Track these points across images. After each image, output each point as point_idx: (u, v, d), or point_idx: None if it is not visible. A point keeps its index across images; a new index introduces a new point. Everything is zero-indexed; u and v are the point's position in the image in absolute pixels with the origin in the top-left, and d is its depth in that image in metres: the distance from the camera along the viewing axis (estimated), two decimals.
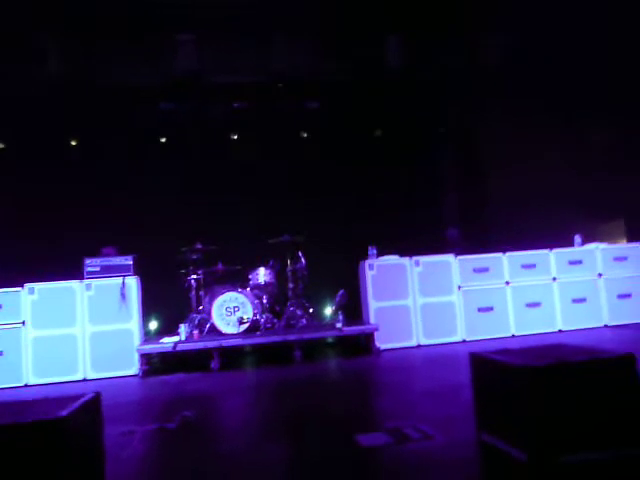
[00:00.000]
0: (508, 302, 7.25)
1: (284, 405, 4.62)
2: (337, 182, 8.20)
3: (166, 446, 3.64)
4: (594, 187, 7.95)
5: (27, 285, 6.39)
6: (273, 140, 8.42)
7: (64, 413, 2.10)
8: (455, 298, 7.17)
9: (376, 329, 6.78)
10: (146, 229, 7.51)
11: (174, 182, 7.95)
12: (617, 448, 2.28)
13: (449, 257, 7.27)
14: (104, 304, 6.49)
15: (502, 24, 7.79)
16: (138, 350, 6.36)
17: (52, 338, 6.35)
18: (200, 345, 6.43)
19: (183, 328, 6.64)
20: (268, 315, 7.12)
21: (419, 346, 6.97)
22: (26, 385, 6.23)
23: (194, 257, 7.29)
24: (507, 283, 7.28)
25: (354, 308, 7.30)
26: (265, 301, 7.25)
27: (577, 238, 7.67)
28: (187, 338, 6.63)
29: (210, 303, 6.95)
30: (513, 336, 7.15)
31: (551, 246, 7.45)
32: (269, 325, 7.04)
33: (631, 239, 8.00)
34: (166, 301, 7.63)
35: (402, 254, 7.22)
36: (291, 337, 6.52)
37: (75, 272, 6.59)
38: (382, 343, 6.82)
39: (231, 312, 6.79)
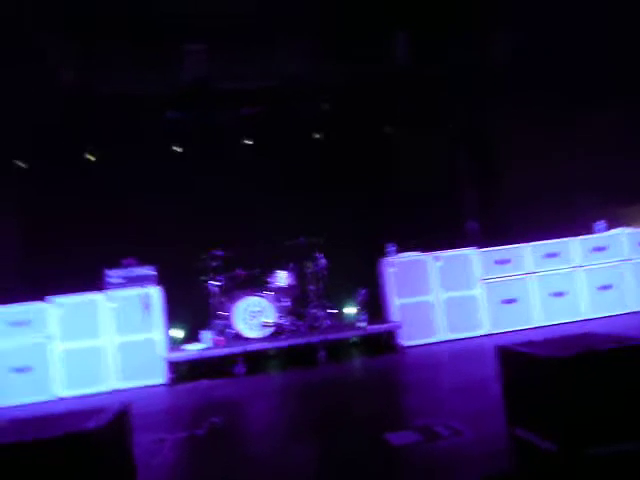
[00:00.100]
0: (532, 293, 7.16)
1: (311, 407, 4.62)
2: (352, 181, 8.17)
3: (196, 453, 3.66)
4: (611, 172, 7.80)
5: (52, 299, 6.48)
6: (286, 143, 8.41)
7: (93, 425, 2.11)
8: (478, 291, 7.11)
9: (399, 326, 6.75)
10: (164, 238, 7.54)
11: (189, 190, 7.98)
12: None
13: (469, 250, 7.21)
14: (128, 315, 6.56)
15: (509, 19, 7.70)
16: (164, 359, 6.41)
17: (79, 351, 6.42)
18: (225, 351, 6.46)
19: (207, 335, 6.67)
20: (291, 318, 7.12)
21: (444, 341, 6.91)
22: (56, 398, 6.31)
23: (214, 264, 7.32)
24: (530, 273, 7.19)
25: (376, 306, 7.27)
26: (287, 304, 7.26)
27: (601, 224, 7.55)
28: (211, 345, 6.66)
29: (232, 309, 6.98)
30: (539, 327, 7.05)
31: (573, 234, 7.35)
32: (292, 328, 7.04)
33: None
34: (189, 309, 7.66)
35: (422, 250, 7.17)
36: (315, 338, 6.52)
37: (96, 284, 6.67)
38: (406, 340, 6.78)
39: (254, 316, 6.81)
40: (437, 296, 7.03)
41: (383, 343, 7.00)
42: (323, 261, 7.21)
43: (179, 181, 8.00)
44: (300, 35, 7.65)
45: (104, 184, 7.86)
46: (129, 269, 6.78)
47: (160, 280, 6.86)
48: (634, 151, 7.74)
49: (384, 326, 6.85)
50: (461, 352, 6.25)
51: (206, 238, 7.41)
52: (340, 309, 7.92)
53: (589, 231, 7.53)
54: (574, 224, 7.56)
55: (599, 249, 7.32)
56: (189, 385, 6.27)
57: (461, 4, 7.69)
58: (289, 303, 7.31)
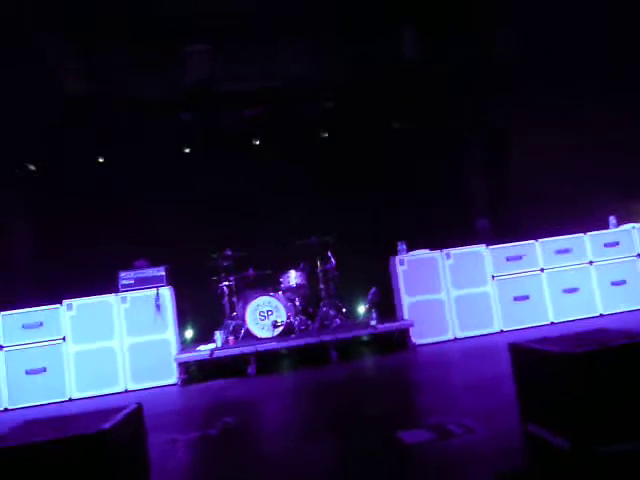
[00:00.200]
0: (544, 289, 7.12)
1: (323, 406, 4.62)
2: (361, 180, 8.15)
3: (209, 452, 3.67)
4: (622, 167, 7.74)
5: (65, 301, 6.53)
6: (292, 143, 8.42)
7: (107, 426, 2.13)
8: (489, 288, 7.07)
9: (411, 325, 6.73)
10: (175, 239, 7.58)
11: (200, 191, 8.02)
12: None
13: (480, 248, 7.18)
14: (140, 316, 6.60)
15: (515, 15, 7.65)
16: (176, 359, 6.44)
17: (92, 352, 6.48)
18: (236, 351, 6.48)
19: (218, 335, 6.70)
20: (302, 317, 7.13)
21: (455, 339, 6.89)
22: (70, 399, 6.36)
23: (225, 264, 7.35)
24: (542, 270, 7.14)
25: (387, 305, 7.26)
26: (298, 303, 7.27)
27: (612, 219, 7.49)
28: (223, 345, 6.68)
29: (243, 308, 7.00)
30: (552, 324, 7.01)
31: (584, 230, 7.29)
32: (303, 327, 7.04)
33: None
34: (200, 309, 7.70)
35: (432, 248, 7.15)
36: (326, 338, 6.52)
37: (109, 286, 6.72)
38: (417, 338, 6.76)
39: (265, 316, 6.83)
40: (448, 294, 7.01)
41: (394, 342, 6.99)
42: (333, 260, 7.21)
43: (189, 183, 8.04)
44: (302, 34, 7.63)
45: (113, 186, 7.91)
46: (141, 270, 6.82)
47: (171, 281, 6.91)
48: None
49: (395, 324, 6.84)
50: (473, 350, 6.22)
51: (217, 239, 7.44)
52: (351, 308, 7.92)
53: (600, 227, 7.47)
54: (585, 220, 7.50)
55: (611, 245, 7.26)
56: (201, 385, 6.30)
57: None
58: (300, 302, 7.32)
